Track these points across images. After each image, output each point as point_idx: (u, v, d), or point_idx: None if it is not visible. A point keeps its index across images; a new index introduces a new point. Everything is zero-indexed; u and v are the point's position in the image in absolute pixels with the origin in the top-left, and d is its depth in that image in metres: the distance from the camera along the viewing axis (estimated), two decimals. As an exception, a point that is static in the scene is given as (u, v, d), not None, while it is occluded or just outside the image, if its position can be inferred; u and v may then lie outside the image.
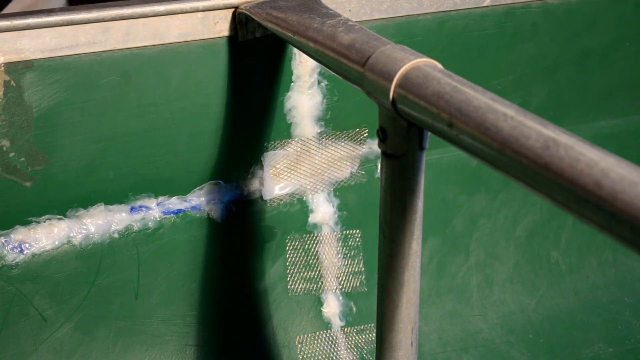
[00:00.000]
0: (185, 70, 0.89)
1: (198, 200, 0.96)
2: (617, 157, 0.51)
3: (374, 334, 1.03)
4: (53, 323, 0.93)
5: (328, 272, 1.03)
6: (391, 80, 0.66)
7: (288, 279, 1.01)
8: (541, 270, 1.13)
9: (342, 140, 1.00)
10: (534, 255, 1.13)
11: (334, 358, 1.03)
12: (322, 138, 0.98)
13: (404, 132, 0.68)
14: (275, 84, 0.94)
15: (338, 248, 1.03)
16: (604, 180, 0.50)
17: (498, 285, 1.11)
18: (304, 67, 0.94)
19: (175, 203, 0.95)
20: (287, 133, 0.97)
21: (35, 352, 0.93)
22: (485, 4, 1.01)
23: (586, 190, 0.50)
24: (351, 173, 1.02)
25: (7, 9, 1.49)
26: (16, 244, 0.88)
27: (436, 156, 1.05)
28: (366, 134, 1.01)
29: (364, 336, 1.04)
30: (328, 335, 1.03)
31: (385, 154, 0.70)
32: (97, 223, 0.92)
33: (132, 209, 0.93)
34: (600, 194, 0.49)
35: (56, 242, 0.90)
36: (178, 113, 0.90)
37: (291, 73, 0.94)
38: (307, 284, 1.02)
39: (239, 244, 0.98)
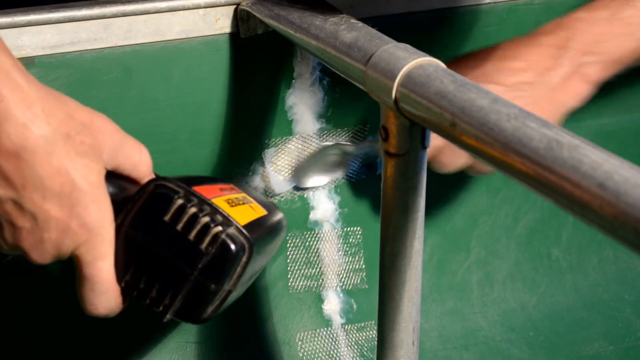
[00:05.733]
0: (186, 67, 0.89)
1: (199, 197, 0.96)
2: (621, 159, 0.51)
3: (375, 331, 1.03)
4: (51, 320, 0.93)
5: (329, 269, 1.03)
6: (393, 79, 0.66)
7: (289, 276, 1.01)
8: (542, 267, 1.13)
9: (343, 137, 1.00)
10: (534, 253, 1.13)
11: (335, 355, 1.03)
12: (323, 135, 0.98)
13: (406, 131, 0.68)
14: (277, 81, 0.94)
15: (339, 245, 1.03)
16: (607, 182, 0.50)
17: (498, 283, 1.11)
18: (305, 65, 0.94)
19: (176, 200, 0.95)
20: (288, 130, 0.97)
21: (35, 349, 0.93)
22: (487, 1, 1.00)
23: (589, 192, 0.50)
24: (352, 170, 1.02)
25: None
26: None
27: (437, 154, 1.05)
28: (367, 132, 1.01)
29: (364, 333, 1.04)
30: (329, 332, 1.03)
31: (387, 153, 0.70)
32: (98, 220, 0.92)
33: (132, 205, 0.93)
34: (604, 196, 0.49)
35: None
36: (179, 110, 0.90)
37: (292, 70, 0.94)
38: (307, 281, 1.02)
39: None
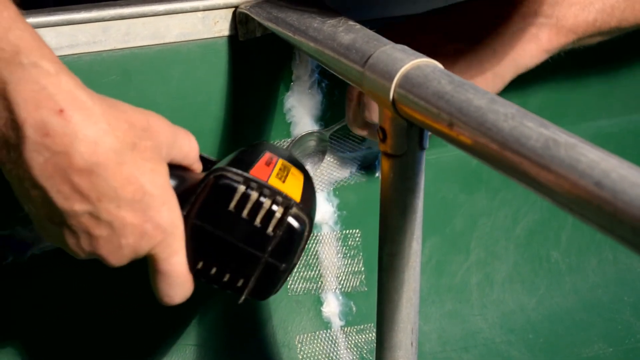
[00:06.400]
0: (185, 70, 0.89)
1: (198, 200, 0.96)
2: (618, 157, 0.51)
3: (374, 334, 1.03)
4: (51, 322, 0.93)
5: (328, 272, 1.03)
6: (391, 80, 0.66)
7: (288, 278, 1.01)
8: (541, 269, 1.13)
9: (342, 139, 1.00)
10: (533, 255, 1.13)
11: (334, 357, 1.03)
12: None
13: (404, 132, 0.68)
14: (275, 83, 0.94)
15: (338, 247, 1.03)
16: (604, 180, 0.50)
17: (498, 285, 1.11)
18: (304, 67, 0.94)
19: (175, 202, 0.95)
20: (286, 132, 0.97)
21: (32, 350, 0.93)
22: (485, 4, 1.00)
23: (587, 191, 0.50)
24: (350, 172, 1.02)
25: None
26: (17, 244, 0.88)
27: (436, 155, 1.05)
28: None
29: (363, 336, 1.04)
30: (328, 334, 1.03)
31: (385, 154, 0.70)
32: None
33: (132, 208, 0.93)
34: (601, 194, 0.49)
35: (56, 242, 0.89)
36: (178, 112, 0.90)
37: (291, 72, 0.94)
38: (306, 283, 1.02)
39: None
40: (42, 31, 0.82)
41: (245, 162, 0.72)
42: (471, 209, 1.09)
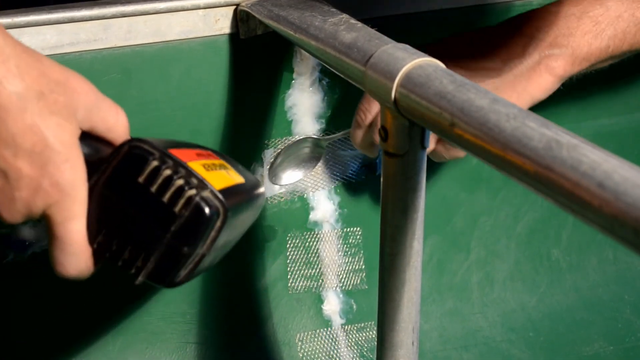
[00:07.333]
0: (186, 68, 0.89)
1: (199, 198, 0.96)
2: (620, 158, 0.51)
3: (375, 332, 1.03)
4: (51, 321, 0.93)
5: (329, 270, 1.03)
6: (393, 80, 0.66)
7: (289, 276, 1.01)
8: (542, 268, 1.13)
9: (343, 137, 1.00)
10: (534, 253, 1.13)
11: (335, 356, 1.03)
12: (323, 136, 0.98)
13: (406, 131, 0.68)
14: (276, 81, 0.94)
15: (339, 246, 1.03)
16: (606, 181, 0.50)
17: (498, 283, 1.11)
18: (305, 65, 0.94)
19: (175, 200, 0.95)
20: (287, 130, 0.97)
21: (32, 350, 0.93)
22: (487, 2, 1.00)
23: (589, 192, 0.50)
24: (351, 170, 1.02)
25: None
26: (18, 243, 0.88)
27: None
28: (367, 132, 1.01)
29: (364, 334, 1.04)
30: (328, 333, 1.03)
31: (386, 153, 0.70)
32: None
33: (132, 206, 0.93)
34: (603, 195, 0.49)
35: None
36: (179, 110, 0.90)
37: (292, 71, 0.94)
38: (307, 281, 1.02)
39: (240, 242, 0.98)
40: (43, 29, 0.82)
41: (172, 143, 0.68)
42: (472, 207, 1.09)
